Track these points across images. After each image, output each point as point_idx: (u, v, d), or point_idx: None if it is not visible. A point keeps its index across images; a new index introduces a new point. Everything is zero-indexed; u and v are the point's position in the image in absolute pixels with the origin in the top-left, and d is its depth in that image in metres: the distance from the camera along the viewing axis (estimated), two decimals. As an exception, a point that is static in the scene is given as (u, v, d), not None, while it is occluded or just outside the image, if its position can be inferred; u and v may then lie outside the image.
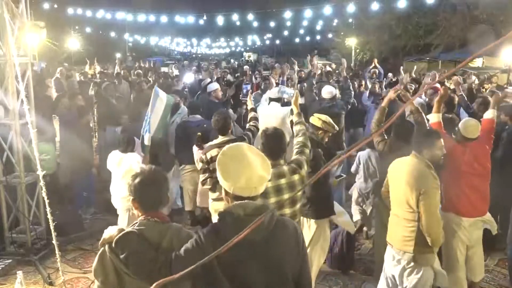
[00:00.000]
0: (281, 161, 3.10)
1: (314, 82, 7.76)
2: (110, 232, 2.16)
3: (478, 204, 3.88)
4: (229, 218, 1.87)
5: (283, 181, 3.01)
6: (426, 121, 4.20)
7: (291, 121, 4.39)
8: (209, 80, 9.25)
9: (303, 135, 3.36)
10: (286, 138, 3.40)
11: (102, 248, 2.13)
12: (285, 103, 6.05)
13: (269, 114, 5.71)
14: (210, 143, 4.31)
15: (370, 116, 7.15)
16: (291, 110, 3.98)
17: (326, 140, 4.43)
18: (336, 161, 1.48)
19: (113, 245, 2.08)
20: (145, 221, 2.15)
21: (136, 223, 2.18)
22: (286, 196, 3.00)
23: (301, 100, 5.74)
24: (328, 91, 6.49)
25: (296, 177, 3.05)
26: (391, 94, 4.38)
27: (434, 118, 4.09)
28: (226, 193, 1.96)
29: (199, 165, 4.33)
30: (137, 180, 2.20)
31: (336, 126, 4.43)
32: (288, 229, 1.99)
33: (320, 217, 4.06)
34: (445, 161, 3.86)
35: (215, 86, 7.37)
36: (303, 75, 10.96)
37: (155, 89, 4.94)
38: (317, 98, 6.83)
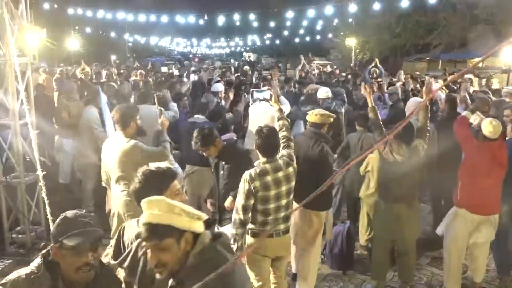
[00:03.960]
0: (277, 156, 3.35)
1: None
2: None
3: (490, 203, 3.94)
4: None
5: (280, 174, 3.28)
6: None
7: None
8: (217, 79, 9.31)
9: (286, 129, 3.66)
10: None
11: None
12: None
13: (259, 113, 5.88)
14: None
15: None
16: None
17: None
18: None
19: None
20: None
21: None
22: (283, 188, 3.29)
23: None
24: (325, 91, 6.56)
25: (290, 169, 3.35)
26: (365, 91, 4.33)
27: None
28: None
29: None
30: (137, 183, 2.19)
31: (332, 114, 4.36)
32: None
33: (325, 209, 4.20)
34: (465, 158, 3.91)
35: (220, 87, 7.36)
36: (303, 75, 11.02)
37: (101, 93, 4.80)
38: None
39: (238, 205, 3.23)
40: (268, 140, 3.29)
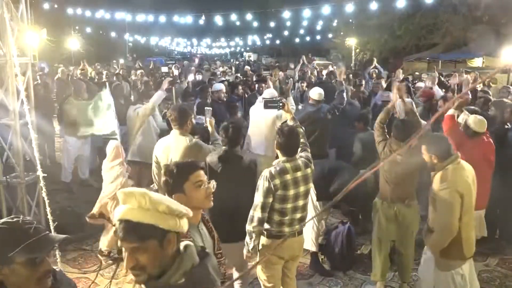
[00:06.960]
0: (296, 156, 3.37)
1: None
2: None
3: (480, 197, 3.88)
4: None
5: (299, 174, 3.29)
6: (420, 122, 4.22)
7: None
8: (221, 79, 9.36)
9: (303, 136, 3.66)
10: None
11: None
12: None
13: (260, 116, 5.70)
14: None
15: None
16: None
17: None
18: (361, 178, 1.42)
19: None
20: None
21: None
22: (301, 188, 3.29)
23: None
24: (318, 92, 5.94)
25: (308, 170, 3.36)
26: (395, 96, 4.35)
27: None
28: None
29: None
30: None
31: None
32: None
33: None
34: None
35: (219, 86, 7.36)
36: (301, 74, 11.06)
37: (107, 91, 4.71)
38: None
39: (256, 203, 3.20)
40: (289, 139, 3.28)
